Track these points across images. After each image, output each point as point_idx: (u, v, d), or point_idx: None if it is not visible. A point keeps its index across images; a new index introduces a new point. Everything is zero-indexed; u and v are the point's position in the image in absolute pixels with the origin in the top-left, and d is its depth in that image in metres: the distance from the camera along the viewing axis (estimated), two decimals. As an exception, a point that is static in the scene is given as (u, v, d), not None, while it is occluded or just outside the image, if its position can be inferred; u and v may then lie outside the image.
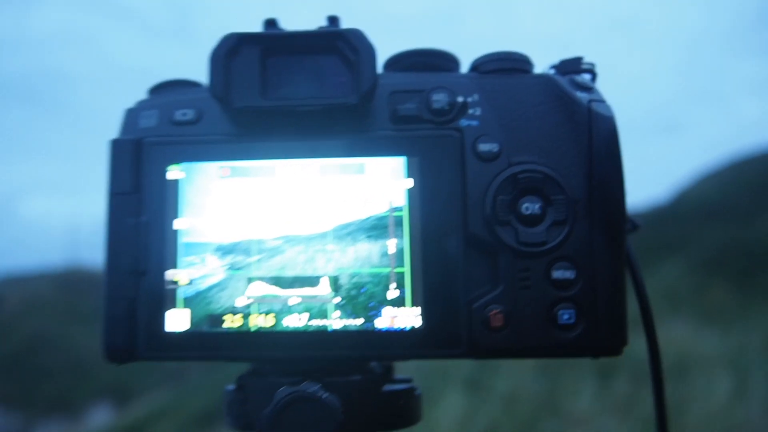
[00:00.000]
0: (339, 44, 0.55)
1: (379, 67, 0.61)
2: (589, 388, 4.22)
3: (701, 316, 5.42)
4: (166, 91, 0.63)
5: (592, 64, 0.60)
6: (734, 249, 7.08)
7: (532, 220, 0.55)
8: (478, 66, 0.60)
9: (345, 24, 0.58)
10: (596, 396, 4.15)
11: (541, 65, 0.62)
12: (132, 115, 0.61)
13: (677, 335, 4.95)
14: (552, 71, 0.61)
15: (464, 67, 0.63)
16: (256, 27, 0.59)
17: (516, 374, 4.55)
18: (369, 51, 0.55)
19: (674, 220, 8.93)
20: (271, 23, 0.59)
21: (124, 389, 9.70)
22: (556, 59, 0.62)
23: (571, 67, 0.60)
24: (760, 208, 8.20)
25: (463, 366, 4.79)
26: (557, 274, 0.55)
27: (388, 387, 0.60)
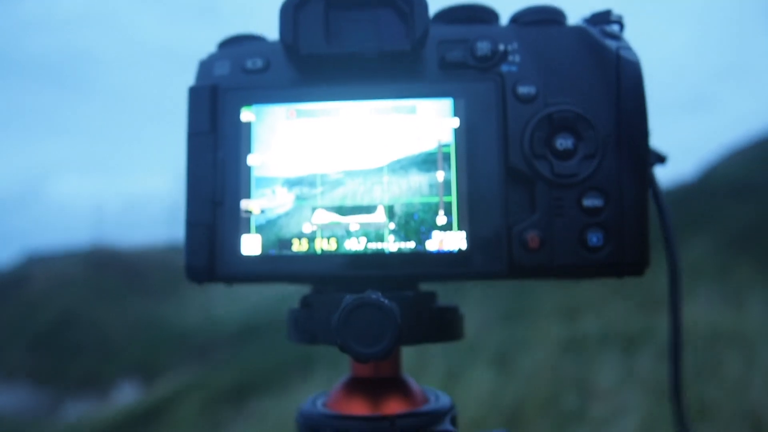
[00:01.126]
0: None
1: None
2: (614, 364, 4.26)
3: (728, 293, 5.43)
4: (234, 44, 0.70)
5: (620, 16, 0.67)
6: (761, 226, 7.06)
7: (565, 155, 0.62)
8: (517, 18, 0.67)
9: None
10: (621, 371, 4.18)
11: (574, 19, 0.69)
12: (206, 66, 0.68)
13: (704, 311, 4.98)
14: (584, 23, 0.68)
15: (504, 21, 0.69)
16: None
17: (542, 351, 4.61)
18: (421, 3, 0.61)
19: (701, 197, 8.90)
20: None
21: (152, 366, 9.87)
22: (587, 13, 0.69)
23: (601, 18, 0.67)
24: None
25: (490, 342, 4.85)
26: (587, 202, 0.62)
27: (440, 303, 0.67)
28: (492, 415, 3.90)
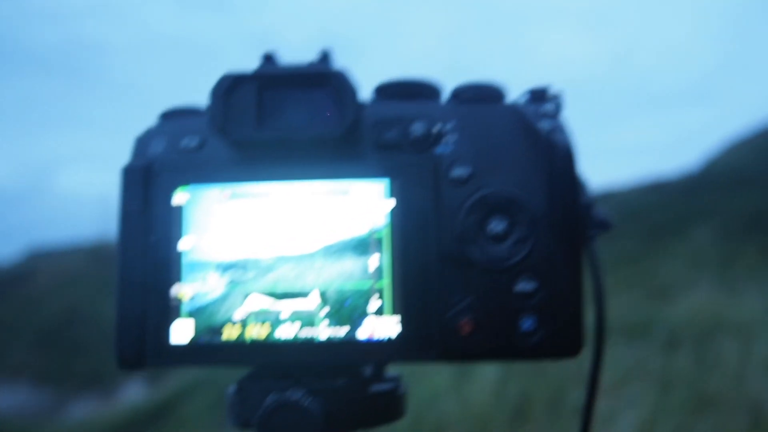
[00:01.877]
0: (328, 81, 0.61)
1: (369, 93, 0.68)
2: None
3: (730, 282, 5.43)
4: (175, 117, 0.69)
5: (558, 93, 0.66)
6: (763, 216, 7.05)
7: (498, 238, 0.62)
8: (458, 94, 0.67)
9: (348, 51, 0.64)
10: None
11: (524, 87, 0.68)
12: (142, 142, 0.67)
13: (706, 300, 4.99)
14: (525, 98, 0.67)
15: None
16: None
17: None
18: (351, 90, 0.61)
19: (704, 187, 8.89)
20: (268, 58, 0.65)
21: (156, 364, 9.85)
22: (531, 85, 0.68)
23: (539, 96, 0.66)
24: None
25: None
26: (520, 286, 0.61)
27: (374, 387, 0.66)
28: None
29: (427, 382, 4.18)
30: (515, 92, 0.68)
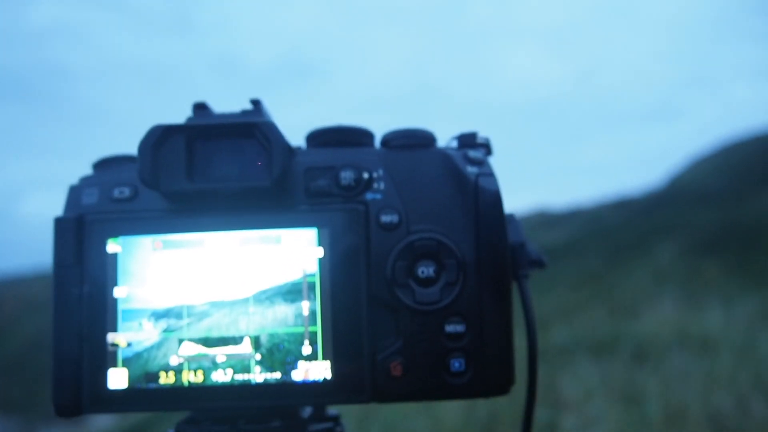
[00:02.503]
0: (255, 132, 0.63)
1: (302, 140, 0.69)
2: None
3: (694, 297, 5.51)
4: (110, 166, 0.70)
5: (487, 139, 0.68)
6: (726, 231, 7.17)
7: (427, 282, 0.63)
8: (387, 141, 0.68)
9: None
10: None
11: (452, 134, 0.70)
12: (75, 193, 0.68)
13: (670, 315, 5.05)
14: (454, 143, 0.69)
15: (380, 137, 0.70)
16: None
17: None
18: (280, 142, 0.62)
19: (668, 203, 9.02)
20: (200, 107, 0.66)
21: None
22: (458, 132, 0.70)
23: (468, 141, 0.68)
24: (750, 191, 8.28)
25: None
26: (449, 328, 0.63)
27: (313, 427, 0.68)
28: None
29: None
30: (451, 133, 0.70)
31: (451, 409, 4.16)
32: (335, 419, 0.72)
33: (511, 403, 4.17)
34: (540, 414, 4.03)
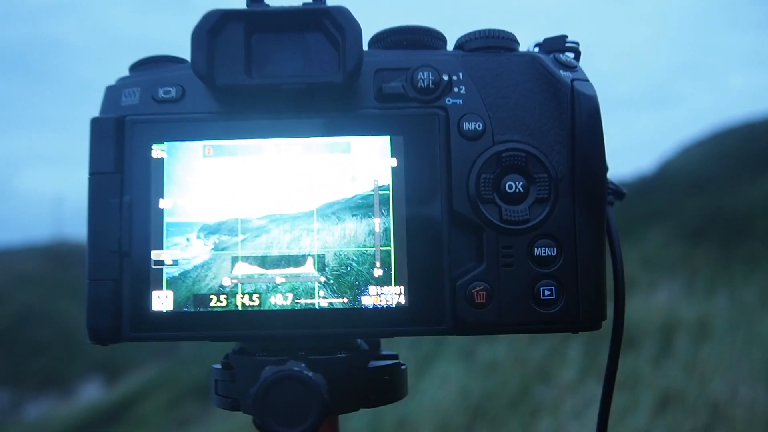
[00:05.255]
0: (324, 21, 0.55)
1: (366, 44, 0.61)
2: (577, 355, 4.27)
3: (685, 283, 5.48)
4: (149, 67, 0.62)
5: (576, 43, 0.60)
6: (716, 217, 7.14)
7: (515, 198, 0.56)
8: (463, 44, 0.60)
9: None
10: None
11: (530, 40, 0.62)
12: (113, 93, 0.60)
13: (661, 300, 5.03)
14: (536, 49, 0.61)
15: (450, 45, 0.62)
16: (242, 2, 0.59)
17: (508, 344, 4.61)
18: (354, 29, 0.54)
19: (659, 189, 9.00)
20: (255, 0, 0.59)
21: (115, 364, 9.72)
22: (541, 37, 0.62)
23: (556, 45, 0.60)
24: (741, 178, 8.27)
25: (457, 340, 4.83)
26: (539, 251, 0.55)
27: (374, 363, 0.60)
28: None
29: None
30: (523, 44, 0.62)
31: (444, 391, 4.13)
32: (396, 357, 0.64)
33: (505, 385, 4.16)
34: (537, 394, 4.01)
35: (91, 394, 8.96)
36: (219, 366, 0.61)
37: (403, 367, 0.63)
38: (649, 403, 3.68)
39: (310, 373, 0.49)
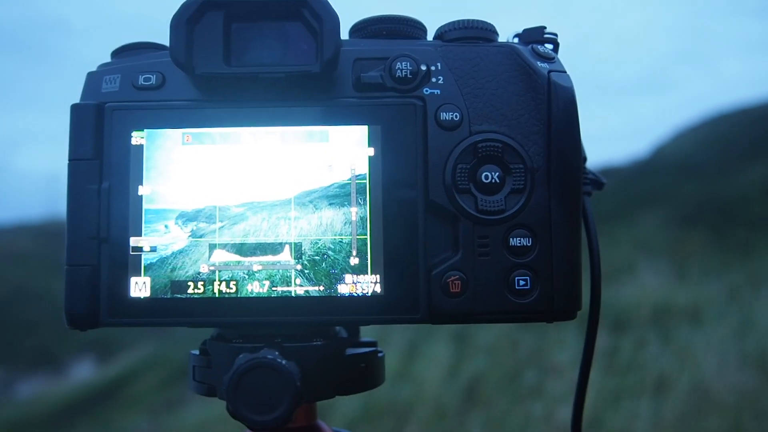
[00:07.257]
0: (303, 11, 0.55)
1: (345, 33, 0.61)
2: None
3: (677, 267, 5.50)
4: (131, 54, 0.62)
5: (555, 34, 0.61)
6: (709, 202, 7.16)
7: (491, 188, 0.56)
8: (442, 34, 0.60)
9: None
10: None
11: (512, 30, 0.63)
12: (94, 79, 0.60)
13: (653, 285, 5.04)
14: (516, 40, 0.62)
15: (430, 35, 0.63)
16: None
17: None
18: (332, 19, 0.54)
19: (652, 174, 9.00)
20: None
21: (107, 344, 9.72)
22: (520, 28, 0.62)
23: (534, 36, 0.60)
24: (734, 163, 8.28)
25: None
26: (515, 241, 0.56)
27: (351, 351, 0.61)
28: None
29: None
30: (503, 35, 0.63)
31: (433, 374, 4.14)
32: (374, 344, 0.65)
33: (495, 368, 4.18)
34: (528, 377, 4.04)
35: (83, 373, 8.96)
36: (197, 352, 0.61)
37: (380, 354, 0.63)
38: (639, 387, 3.70)
39: (284, 361, 0.49)
